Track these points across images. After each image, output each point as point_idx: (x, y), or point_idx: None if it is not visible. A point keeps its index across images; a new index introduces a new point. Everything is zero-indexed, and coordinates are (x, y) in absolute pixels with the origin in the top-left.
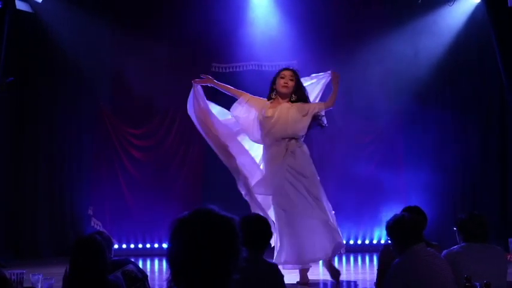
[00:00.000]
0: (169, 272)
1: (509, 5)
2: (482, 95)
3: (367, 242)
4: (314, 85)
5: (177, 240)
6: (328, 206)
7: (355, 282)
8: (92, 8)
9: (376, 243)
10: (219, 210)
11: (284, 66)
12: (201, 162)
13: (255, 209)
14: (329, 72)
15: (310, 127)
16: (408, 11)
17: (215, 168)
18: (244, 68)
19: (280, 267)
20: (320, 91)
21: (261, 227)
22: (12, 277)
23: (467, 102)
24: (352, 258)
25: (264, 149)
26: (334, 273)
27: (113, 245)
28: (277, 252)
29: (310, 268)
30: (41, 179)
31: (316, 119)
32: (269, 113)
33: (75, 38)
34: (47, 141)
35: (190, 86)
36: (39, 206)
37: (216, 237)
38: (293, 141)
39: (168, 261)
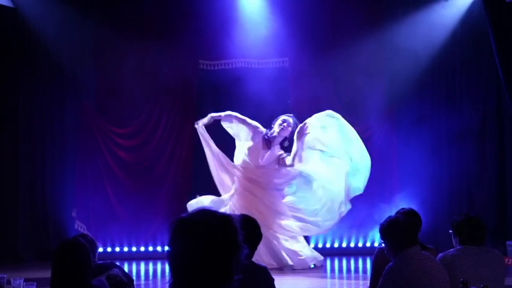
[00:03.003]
0: (170, 276)
1: (507, 0)
2: (478, 92)
3: (360, 245)
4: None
5: (179, 241)
6: None
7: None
8: (77, 4)
9: (370, 246)
10: (217, 210)
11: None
12: (189, 162)
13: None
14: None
15: None
16: (402, 6)
17: (204, 168)
18: (233, 66)
19: None
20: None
21: (251, 228)
22: None
23: (463, 100)
24: (345, 262)
25: None
26: None
27: (97, 248)
28: None
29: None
30: (22, 180)
31: None
32: None
33: (59, 35)
34: (28, 140)
35: (177, 85)
36: (20, 208)
37: (218, 236)
38: None
39: (169, 264)
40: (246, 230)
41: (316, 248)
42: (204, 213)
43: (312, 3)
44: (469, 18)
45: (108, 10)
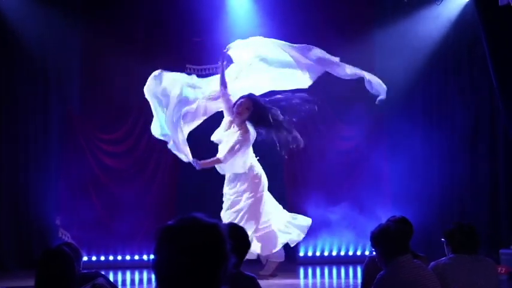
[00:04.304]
0: (156, 285)
1: (500, 4)
2: (471, 98)
3: (350, 253)
4: None
5: (165, 249)
6: None
7: None
8: (60, 5)
9: (360, 255)
10: (205, 218)
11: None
12: (175, 169)
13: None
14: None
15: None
16: (394, 10)
17: (190, 175)
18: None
19: None
20: None
21: (239, 236)
22: None
23: (455, 106)
24: (335, 270)
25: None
26: None
27: (81, 257)
28: None
29: None
30: (4, 186)
31: None
32: None
33: (43, 37)
34: (10, 146)
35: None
36: (3, 216)
37: (205, 244)
38: None
39: (154, 273)
40: (234, 239)
41: (306, 257)
42: (191, 220)
43: (301, 8)
44: (461, 22)
45: (94, 13)
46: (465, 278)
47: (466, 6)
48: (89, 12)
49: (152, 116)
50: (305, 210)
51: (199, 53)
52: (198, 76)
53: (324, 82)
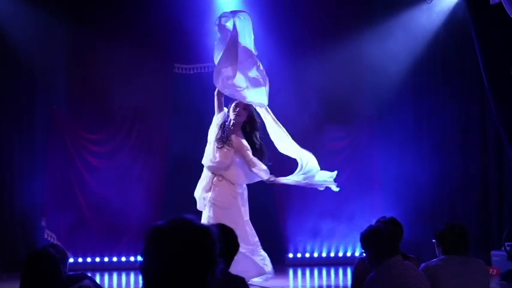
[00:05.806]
0: (143, 286)
1: (491, 2)
2: (461, 98)
3: (340, 254)
4: None
5: (153, 251)
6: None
7: None
8: (47, 4)
9: (351, 256)
10: (196, 220)
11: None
12: (163, 169)
13: None
14: None
15: None
16: (383, 8)
17: (177, 176)
18: (208, 70)
19: None
20: None
21: (229, 239)
22: None
23: (446, 106)
24: (324, 272)
25: None
26: None
27: (67, 259)
28: None
29: None
30: None
31: None
32: None
33: (28, 36)
34: None
35: (152, 88)
36: None
37: (194, 248)
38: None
39: (142, 274)
40: (223, 242)
41: (295, 259)
42: (183, 222)
43: (290, 6)
44: (452, 21)
45: (81, 13)
46: (456, 279)
47: (457, 4)
48: (76, 12)
49: (138, 118)
50: (295, 212)
51: (188, 52)
52: (186, 76)
53: (317, 83)
